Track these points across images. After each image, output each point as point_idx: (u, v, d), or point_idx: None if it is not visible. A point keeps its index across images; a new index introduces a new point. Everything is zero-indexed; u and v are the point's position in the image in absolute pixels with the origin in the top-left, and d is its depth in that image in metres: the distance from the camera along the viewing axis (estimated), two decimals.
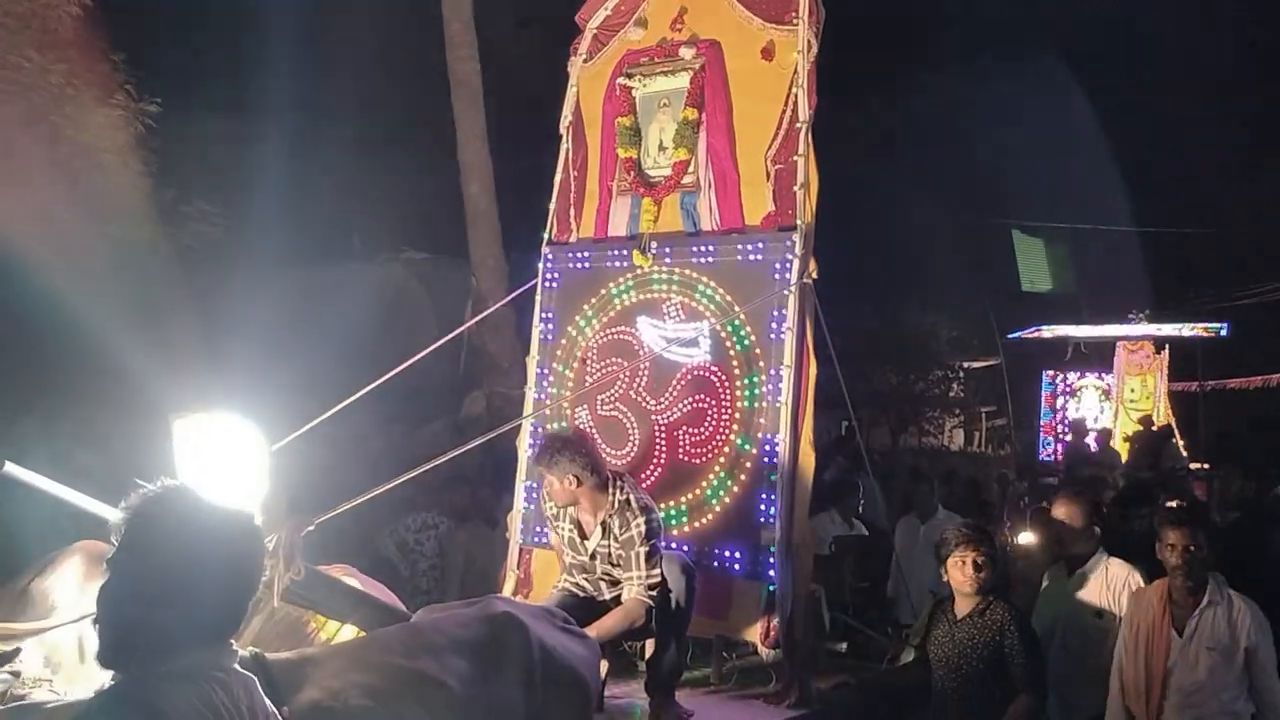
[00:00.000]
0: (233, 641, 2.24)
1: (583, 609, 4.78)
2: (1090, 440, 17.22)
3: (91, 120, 10.19)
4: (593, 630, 4.50)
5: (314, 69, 16.62)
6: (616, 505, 4.79)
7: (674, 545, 5.48)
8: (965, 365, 22.62)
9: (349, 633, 3.75)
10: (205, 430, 3.61)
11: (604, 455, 5.86)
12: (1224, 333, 18.73)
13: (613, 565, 4.83)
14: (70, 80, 9.82)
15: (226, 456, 3.60)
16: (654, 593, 4.68)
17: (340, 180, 17.35)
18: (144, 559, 2.06)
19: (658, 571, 4.72)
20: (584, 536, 4.92)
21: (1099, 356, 20.30)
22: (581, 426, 6.02)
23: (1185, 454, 17.18)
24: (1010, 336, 21.04)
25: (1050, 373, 21.23)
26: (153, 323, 11.11)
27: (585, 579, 5.00)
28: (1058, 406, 21.20)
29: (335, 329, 14.29)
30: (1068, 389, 21.15)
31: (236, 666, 2.20)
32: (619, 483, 4.87)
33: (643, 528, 4.70)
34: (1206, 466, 15.76)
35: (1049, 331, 20.66)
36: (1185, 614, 4.56)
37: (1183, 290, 21.38)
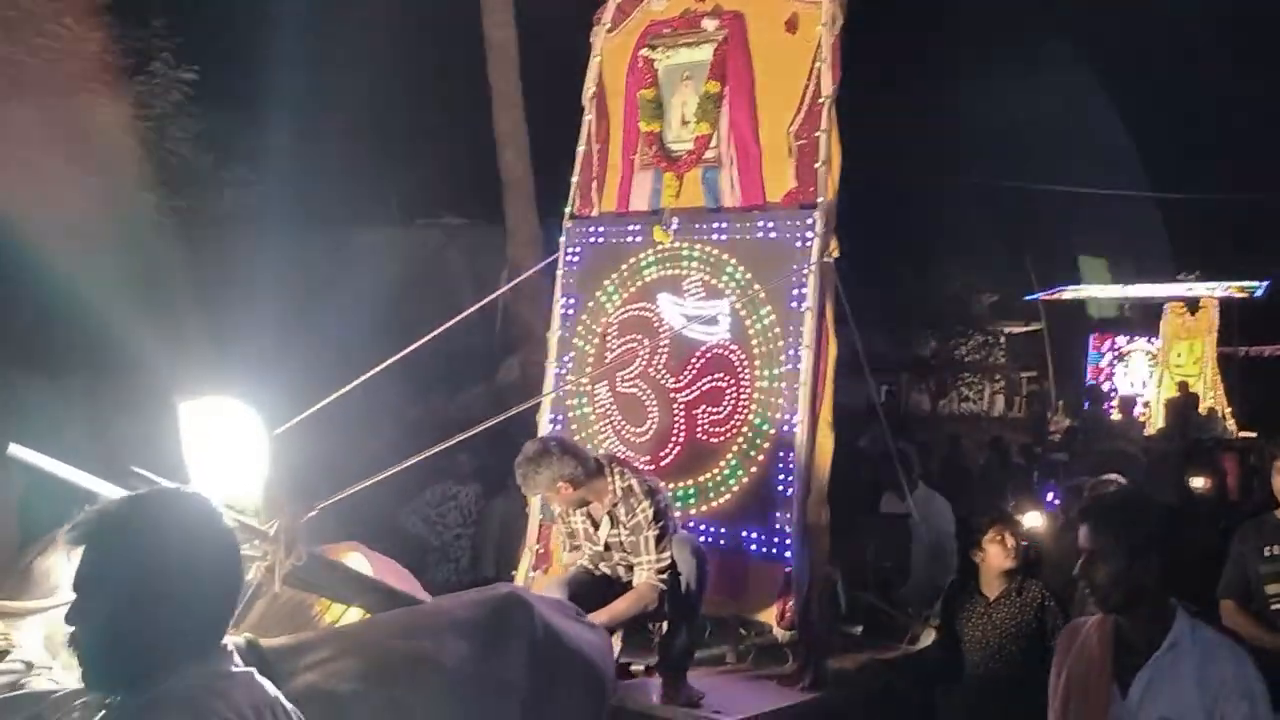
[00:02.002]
0: (226, 641, 2.20)
1: (599, 588, 4.83)
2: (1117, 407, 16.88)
3: (129, 88, 10.27)
4: (604, 614, 4.54)
5: (354, 33, 16.61)
6: (619, 493, 4.78)
7: (691, 525, 5.47)
8: (1006, 330, 22.32)
9: (354, 615, 3.78)
10: (209, 415, 3.62)
11: (621, 432, 5.92)
12: (1259, 293, 18.12)
13: (627, 553, 4.84)
14: (108, 47, 9.89)
15: (231, 441, 3.62)
16: (664, 576, 4.69)
17: (379, 145, 17.40)
18: (119, 571, 1.98)
19: (668, 555, 4.72)
20: (596, 526, 4.94)
21: (1145, 320, 19.83)
22: (601, 404, 6.02)
23: (1229, 422, 16.87)
24: (1029, 298, 20.67)
25: (1097, 337, 20.82)
26: (192, 289, 11.26)
27: (604, 566, 5.01)
28: (1104, 371, 20.81)
29: (372, 293, 14.40)
30: (1116, 353, 20.72)
31: (233, 668, 2.15)
32: (615, 469, 4.86)
33: (649, 511, 4.70)
34: (1253, 435, 15.45)
35: (1072, 293, 20.21)
36: (1135, 663, 2.99)
37: (1231, 253, 20.81)
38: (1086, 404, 16.79)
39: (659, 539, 4.69)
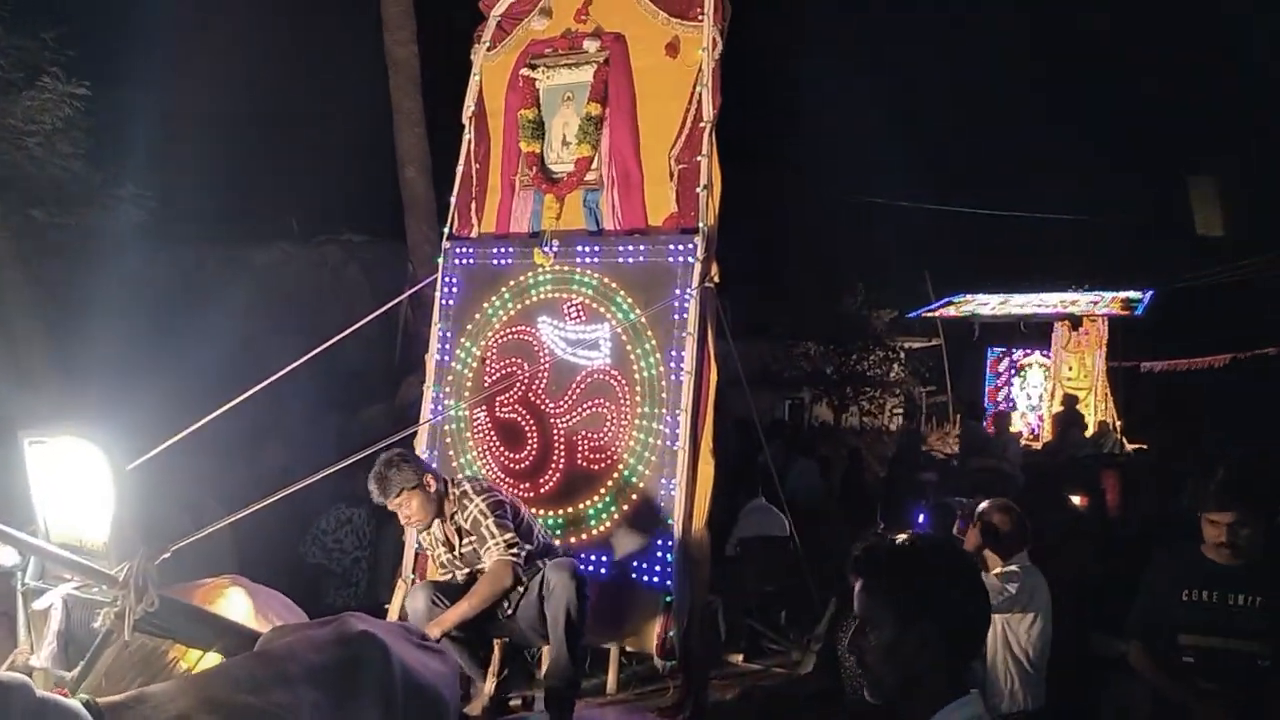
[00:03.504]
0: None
1: (462, 589, 4.82)
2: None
3: (18, 102, 9.89)
4: (467, 601, 4.60)
5: (254, 49, 16.28)
6: (456, 500, 4.86)
7: (571, 553, 5.37)
8: (906, 345, 22.70)
9: (212, 660, 3.62)
10: (55, 452, 3.43)
11: (499, 458, 5.80)
12: (1140, 310, 18.47)
13: (480, 557, 4.83)
14: None
15: (78, 480, 3.43)
16: (515, 550, 4.71)
17: (279, 161, 17.04)
18: None
19: (512, 534, 4.75)
20: (451, 545, 4.94)
21: (1041, 334, 20.10)
22: (480, 429, 5.89)
23: (1119, 435, 17.20)
24: (911, 315, 20.97)
25: (995, 349, 21.09)
26: (78, 306, 10.86)
27: (467, 575, 4.95)
28: (1001, 385, 21.11)
29: (268, 311, 14.05)
30: (1013, 366, 20.99)
31: None
32: (454, 482, 4.97)
33: (482, 504, 4.79)
34: (1144, 447, 15.77)
35: (954, 308, 20.50)
36: None
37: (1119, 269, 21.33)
38: (966, 420, 15.54)
39: (499, 521, 4.75)
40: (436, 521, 4.90)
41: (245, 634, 3.77)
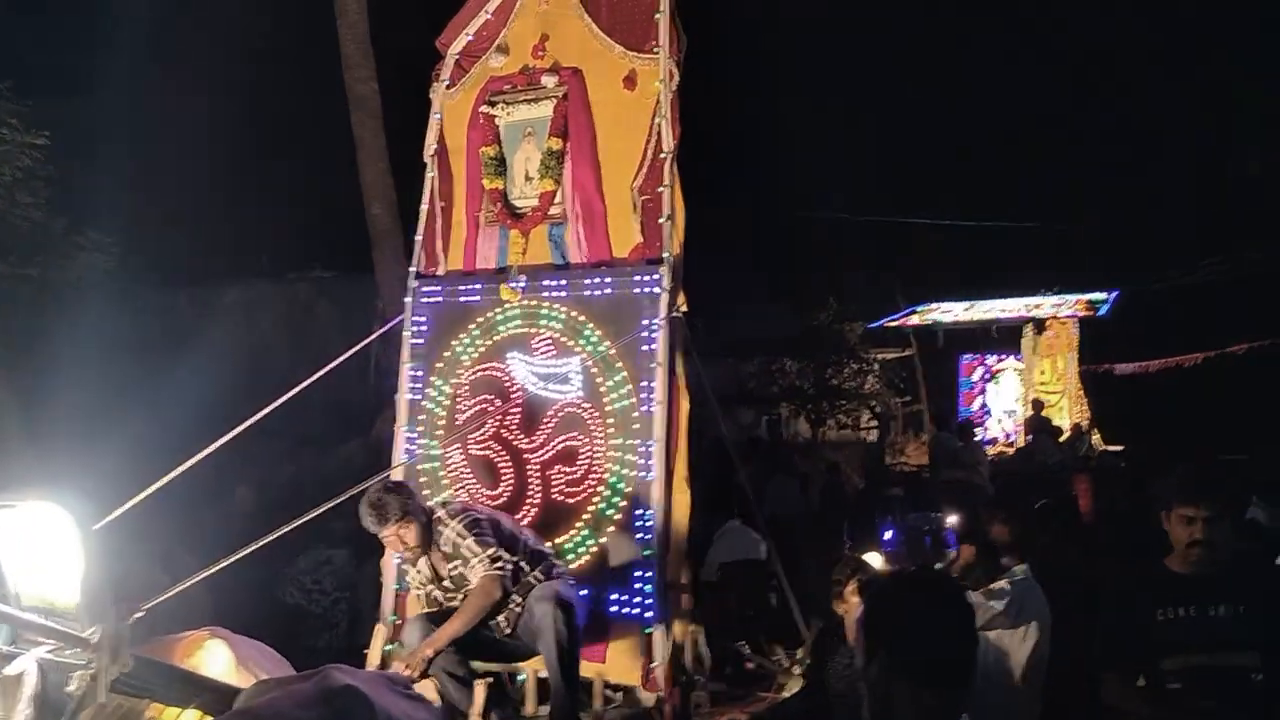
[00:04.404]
0: None
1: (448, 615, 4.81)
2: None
3: None
4: (458, 618, 4.61)
5: (217, 88, 16.28)
6: (434, 527, 4.84)
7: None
8: (879, 356, 22.78)
9: (190, 718, 3.59)
10: (23, 519, 3.41)
11: (475, 495, 5.79)
12: (1104, 310, 18.53)
13: (467, 578, 4.81)
14: None
15: (45, 545, 3.41)
16: (499, 564, 4.70)
17: (247, 199, 17.01)
18: None
19: (494, 548, 4.74)
20: (438, 575, 4.92)
21: (1013, 340, 20.09)
22: (454, 467, 5.89)
23: (1094, 438, 17.23)
24: (872, 326, 21.03)
25: (968, 357, 21.10)
26: (45, 359, 10.76)
27: (457, 600, 4.92)
28: (976, 392, 21.10)
29: (239, 351, 14.01)
30: (987, 373, 20.99)
31: None
32: (436, 512, 4.93)
33: (458, 526, 4.78)
34: (1118, 450, 15.78)
35: (918, 317, 20.52)
36: None
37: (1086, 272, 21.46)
38: (936, 431, 15.18)
39: (479, 539, 4.73)
40: (424, 556, 4.88)
41: (224, 690, 3.75)
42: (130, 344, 12.62)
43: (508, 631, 4.88)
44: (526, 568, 4.88)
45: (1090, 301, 18.72)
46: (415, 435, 6.09)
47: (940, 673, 2.13)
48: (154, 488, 4.37)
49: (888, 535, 5.38)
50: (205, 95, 16.35)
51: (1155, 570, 3.63)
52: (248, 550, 4.09)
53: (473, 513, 4.91)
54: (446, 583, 4.91)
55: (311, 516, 4.33)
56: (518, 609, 4.83)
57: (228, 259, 17.09)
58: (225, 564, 4.04)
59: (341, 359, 6.13)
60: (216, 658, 3.99)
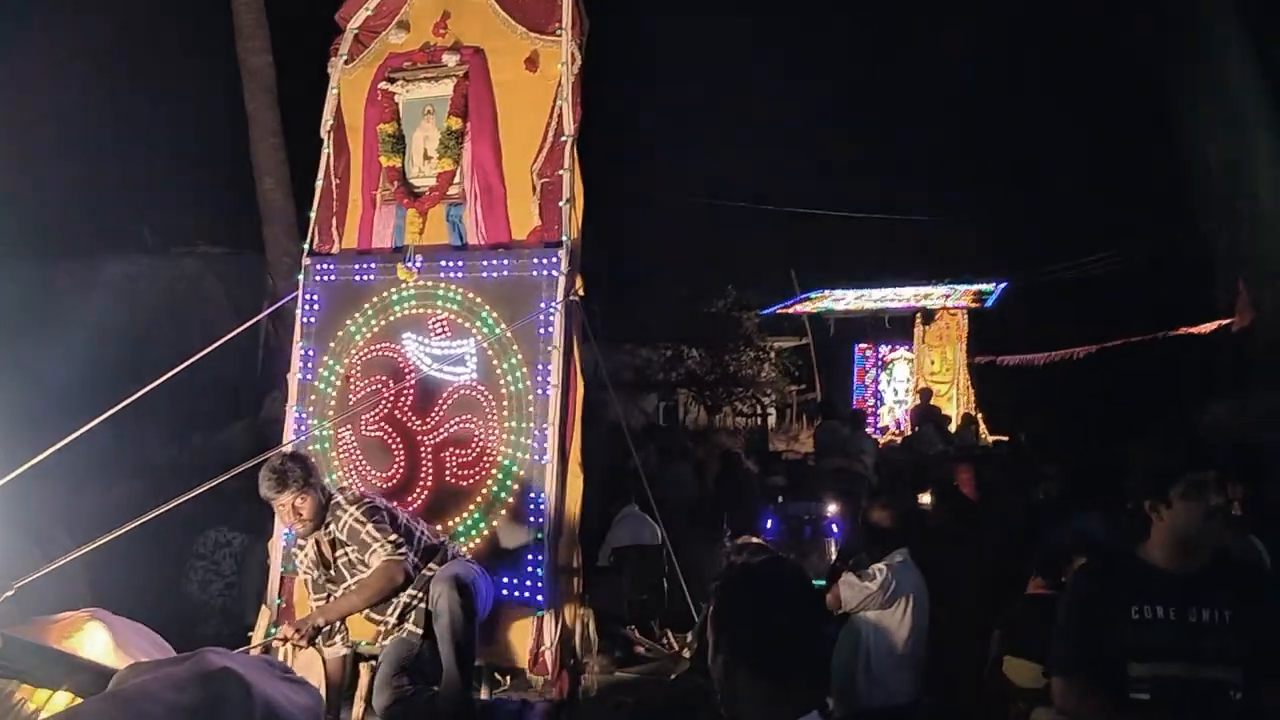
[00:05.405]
0: None
1: None
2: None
3: None
4: (356, 594, 4.64)
5: (104, 55, 15.65)
6: (330, 512, 4.78)
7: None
8: (776, 345, 23.13)
9: (62, 699, 3.49)
10: None
11: (366, 476, 5.72)
12: (990, 301, 18.88)
13: (355, 568, 4.77)
14: None
15: None
16: (401, 550, 4.68)
17: (129, 170, 16.41)
18: None
19: (396, 535, 4.71)
20: (326, 563, 4.85)
21: (906, 330, 20.51)
22: (345, 448, 5.80)
23: (981, 428, 17.63)
24: (765, 312, 21.31)
25: (861, 345, 21.50)
26: None
27: (332, 588, 4.88)
28: (868, 381, 21.47)
29: (120, 328, 13.49)
30: (880, 362, 21.41)
31: None
32: (334, 495, 4.89)
33: (357, 512, 4.74)
34: (1005, 439, 16.17)
35: (810, 304, 20.80)
36: None
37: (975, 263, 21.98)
38: (824, 419, 15.08)
39: (378, 526, 4.70)
40: (313, 536, 4.80)
41: (98, 671, 3.64)
42: (3, 319, 12.09)
43: (393, 622, 4.81)
44: (419, 563, 4.83)
45: (979, 292, 19.18)
46: (305, 415, 5.98)
47: (782, 663, 2.14)
48: (22, 468, 4.24)
49: (769, 524, 5.46)
50: (89, 60, 15.72)
51: (1129, 561, 3.17)
52: (119, 532, 4.00)
53: (372, 500, 4.86)
54: (332, 570, 4.84)
55: (185, 499, 4.25)
56: (415, 603, 4.78)
57: (109, 231, 16.46)
58: (101, 542, 3.95)
59: (229, 337, 6.00)
60: (94, 640, 3.88)
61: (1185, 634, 2.99)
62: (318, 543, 4.84)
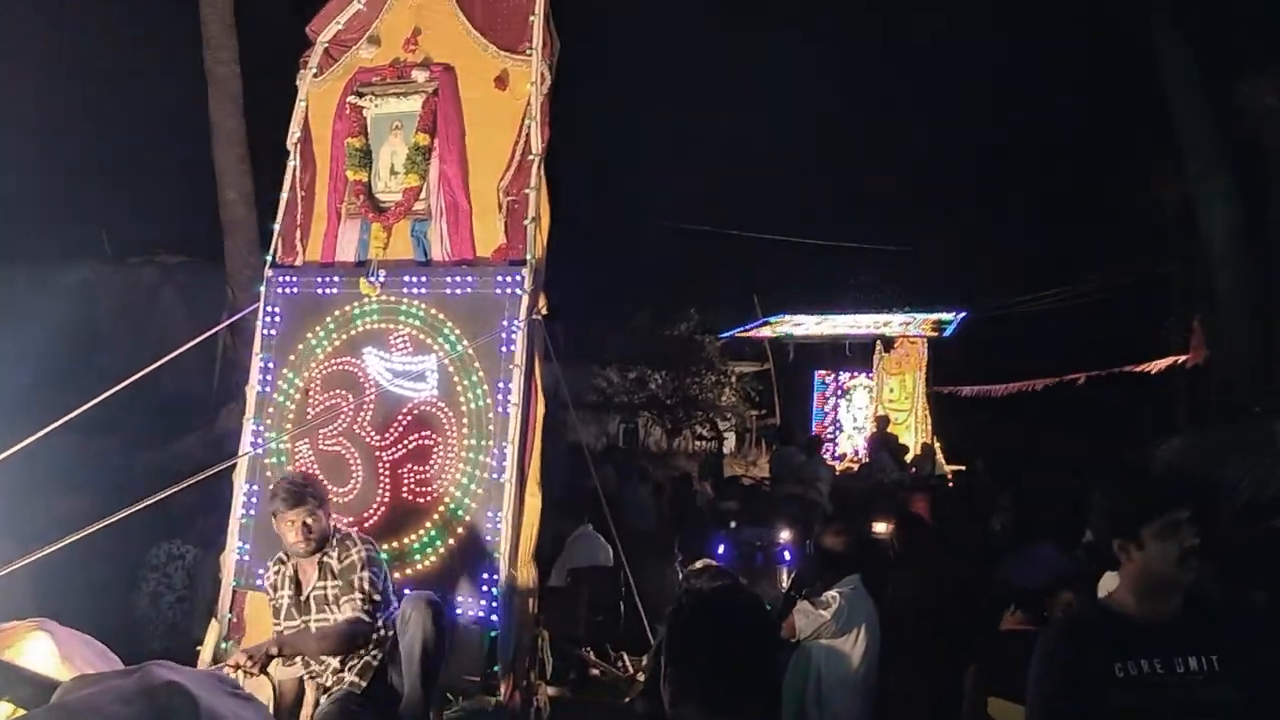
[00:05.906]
0: None
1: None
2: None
3: None
4: (318, 640, 4.48)
5: (64, 61, 15.48)
6: (335, 541, 4.67)
7: (401, 588, 5.26)
8: (737, 369, 23.24)
9: (2, 711, 3.43)
10: None
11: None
12: (949, 331, 19.05)
13: (328, 605, 4.62)
14: None
15: None
16: (371, 615, 4.54)
17: (86, 176, 16.21)
18: None
19: (380, 597, 4.60)
20: (299, 586, 4.71)
21: (866, 358, 20.64)
22: (302, 462, 5.74)
23: (939, 456, 17.77)
24: (724, 335, 21.41)
25: (821, 372, 21.58)
26: None
27: (305, 622, 4.71)
28: (828, 408, 21.58)
29: (74, 337, 13.28)
30: (839, 389, 21.44)
31: None
32: (339, 528, 4.80)
33: (363, 554, 4.62)
34: (962, 468, 16.31)
35: (770, 329, 20.90)
36: None
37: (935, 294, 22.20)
38: (776, 445, 15.14)
39: (372, 581, 4.57)
40: (303, 560, 4.67)
41: (41, 683, 3.59)
42: None
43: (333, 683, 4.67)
44: (383, 630, 4.69)
45: (938, 322, 19.38)
46: (263, 428, 5.93)
47: (733, 689, 2.13)
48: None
49: (720, 549, 5.45)
50: (50, 65, 15.55)
51: (1103, 613, 2.93)
52: (67, 541, 3.95)
53: (375, 549, 4.76)
54: (302, 598, 4.70)
55: (136, 509, 4.20)
56: (373, 661, 4.66)
57: (62, 238, 16.23)
58: (44, 553, 3.89)
59: (185, 348, 5.95)
60: (38, 650, 3.82)
61: (1173, 687, 2.75)
62: (297, 567, 4.73)
